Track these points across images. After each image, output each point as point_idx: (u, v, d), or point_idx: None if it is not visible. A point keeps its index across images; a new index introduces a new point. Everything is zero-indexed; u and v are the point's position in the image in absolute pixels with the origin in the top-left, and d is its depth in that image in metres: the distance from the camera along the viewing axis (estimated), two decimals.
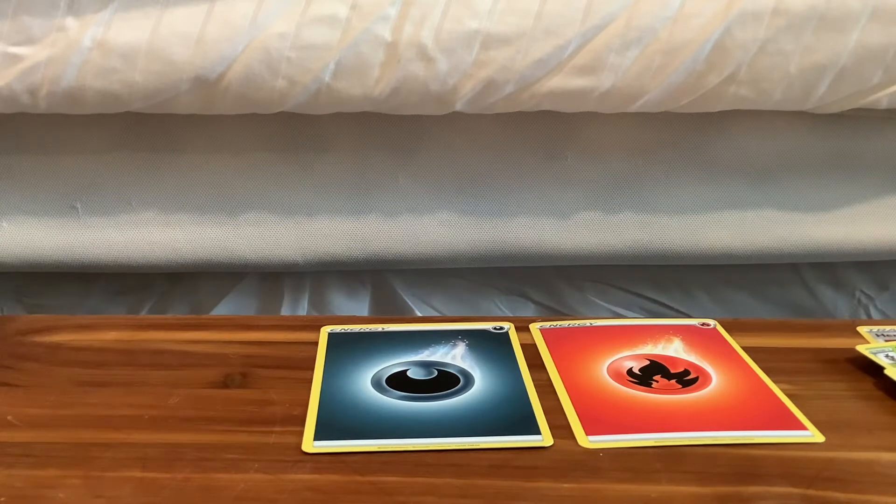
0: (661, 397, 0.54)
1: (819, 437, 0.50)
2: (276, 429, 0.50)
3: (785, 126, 0.75)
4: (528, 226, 0.76)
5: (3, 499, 0.44)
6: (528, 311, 0.85)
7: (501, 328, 0.63)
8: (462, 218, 0.76)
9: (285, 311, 0.83)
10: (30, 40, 0.65)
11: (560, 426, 0.50)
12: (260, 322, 0.65)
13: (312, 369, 0.57)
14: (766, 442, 0.49)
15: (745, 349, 0.60)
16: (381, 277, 0.84)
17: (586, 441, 0.49)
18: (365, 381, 0.55)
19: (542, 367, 0.58)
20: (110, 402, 0.53)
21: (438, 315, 0.84)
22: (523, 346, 0.60)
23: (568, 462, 0.47)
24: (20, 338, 0.62)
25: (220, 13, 0.65)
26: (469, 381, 0.56)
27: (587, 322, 0.64)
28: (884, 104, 0.69)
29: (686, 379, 0.56)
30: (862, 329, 0.63)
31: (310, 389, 0.54)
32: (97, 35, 0.65)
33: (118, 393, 0.54)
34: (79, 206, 0.75)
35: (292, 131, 0.74)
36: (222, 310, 0.83)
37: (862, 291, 0.85)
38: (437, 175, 0.76)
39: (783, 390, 0.55)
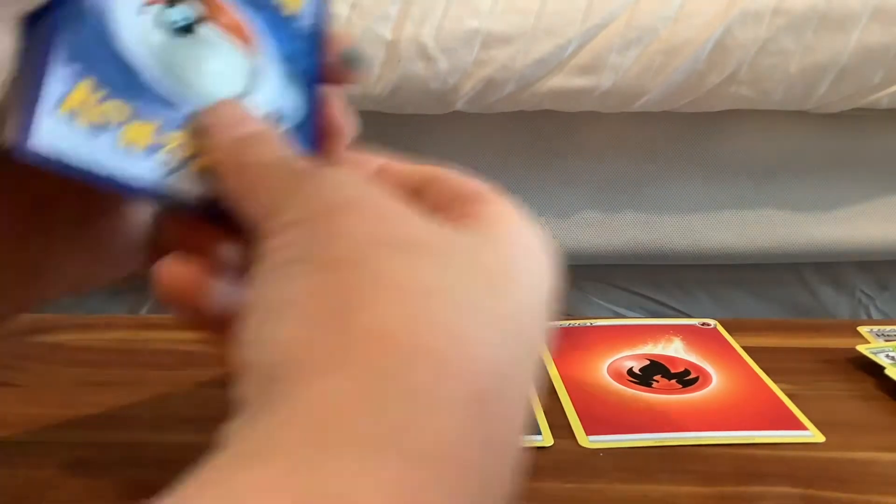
0: (661, 397, 0.54)
1: (819, 437, 0.50)
2: None
3: (785, 126, 0.74)
4: None
5: (3, 499, 0.44)
6: None
7: None
8: None
9: None
10: None
11: (560, 426, 0.50)
12: None
13: None
14: (767, 442, 0.49)
15: (745, 349, 0.60)
16: None
17: (586, 441, 0.49)
18: None
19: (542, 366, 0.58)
20: (110, 402, 0.53)
21: None
22: None
23: (568, 462, 0.47)
24: (21, 337, 0.61)
25: None
26: None
27: (587, 322, 0.64)
28: (884, 104, 0.69)
29: (686, 379, 0.56)
30: (862, 329, 0.63)
31: None
32: None
33: (118, 393, 0.54)
34: None
35: None
36: None
37: (862, 291, 0.85)
38: None
39: (783, 390, 0.54)
